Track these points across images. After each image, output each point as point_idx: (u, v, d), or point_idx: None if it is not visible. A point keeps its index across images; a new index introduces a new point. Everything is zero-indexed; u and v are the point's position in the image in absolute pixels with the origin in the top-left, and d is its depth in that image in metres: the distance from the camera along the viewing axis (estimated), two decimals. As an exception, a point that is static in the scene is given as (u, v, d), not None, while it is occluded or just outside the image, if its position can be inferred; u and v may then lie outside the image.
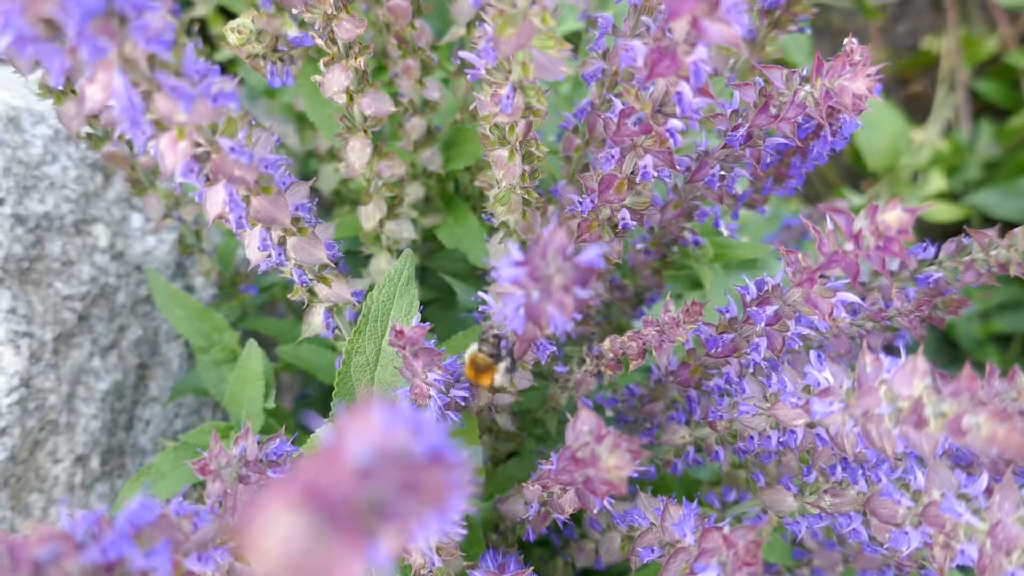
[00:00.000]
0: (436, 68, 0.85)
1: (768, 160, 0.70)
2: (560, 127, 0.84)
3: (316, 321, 0.73)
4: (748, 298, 0.67)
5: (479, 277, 0.99)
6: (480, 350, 0.62)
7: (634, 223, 0.67)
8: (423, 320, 0.63)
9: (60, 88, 0.73)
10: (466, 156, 0.92)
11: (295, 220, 0.61)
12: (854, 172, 1.83)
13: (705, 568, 0.53)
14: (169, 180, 0.85)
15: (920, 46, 1.89)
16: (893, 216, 0.49)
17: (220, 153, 0.49)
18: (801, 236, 1.31)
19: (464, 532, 0.63)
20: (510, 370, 0.63)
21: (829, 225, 0.53)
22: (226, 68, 1.22)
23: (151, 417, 1.00)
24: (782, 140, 0.67)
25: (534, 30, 0.49)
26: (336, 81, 0.70)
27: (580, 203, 0.67)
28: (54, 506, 0.88)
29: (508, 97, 0.58)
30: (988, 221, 1.71)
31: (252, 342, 0.84)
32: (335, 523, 0.23)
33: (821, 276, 0.57)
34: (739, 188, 0.80)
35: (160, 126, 0.45)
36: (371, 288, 0.69)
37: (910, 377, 0.47)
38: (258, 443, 0.61)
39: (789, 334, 0.65)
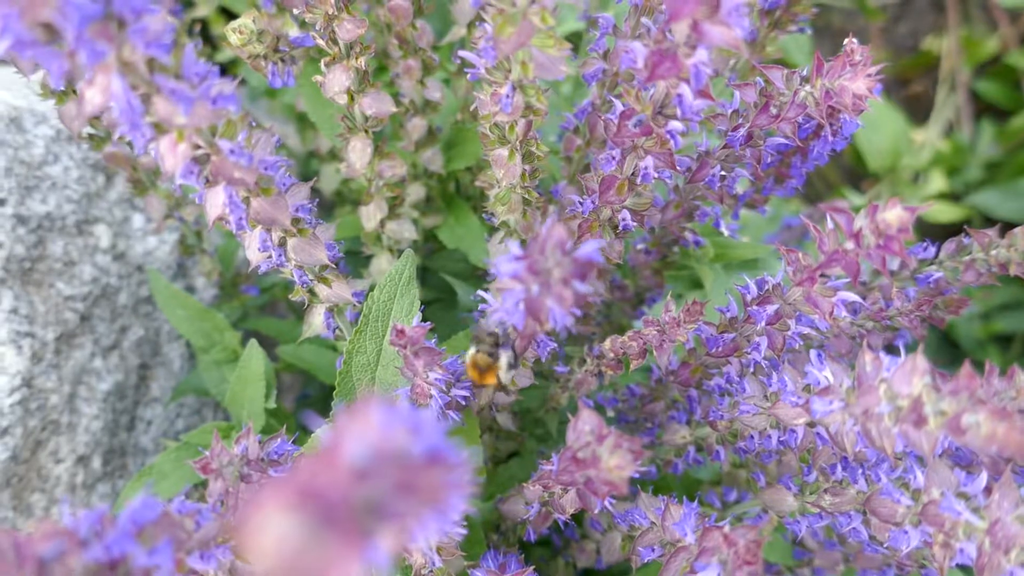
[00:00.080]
0: (437, 68, 0.85)
1: (769, 160, 0.71)
2: (561, 127, 0.84)
3: (317, 321, 0.73)
4: (749, 297, 0.67)
5: (480, 277, 1.00)
6: (478, 350, 0.62)
7: (635, 224, 0.67)
8: (424, 320, 0.63)
9: (61, 89, 0.73)
10: (467, 156, 0.92)
11: (295, 221, 0.62)
12: (855, 172, 1.83)
13: (706, 567, 0.53)
14: (169, 181, 0.86)
15: (921, 46, 1.89)
16: (893, 215, 0.49)
17: (220, 155, 0.49)
18: (802, 236, 1.32)
19: (465, 532, 0.63)
20: (512, 365, 0.63)
21: (829, 224, 0.53)
22: (227, 68, 1.22)
23: (152, 417, 1.01)
24: (782, 140, 0.67)
25: (533, 29, 0.50)
26: (337, 81, 0.70)
27: (581, 203, 0.67)
28: (56, 506, 0.88)
29: (508, 96, 0.58)
30: (989, 221, 1.71)
31: (253, 342, 0.84)
32: (331, 524, 0.23)
33: (822, 275, 0.58)
34: (740, 188, 0.80)
35: (160, 128, 0.46)
36: (372, 288, 0.69)
37: (910, 376, 0.47)
38: (259, 442, 0.61)
39: (790, 333, 0.65)
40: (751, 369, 0.71)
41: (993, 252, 0.72)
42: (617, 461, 0.49)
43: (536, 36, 0.51)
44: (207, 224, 0.96)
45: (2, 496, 0.84)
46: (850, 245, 0.52)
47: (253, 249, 0.61)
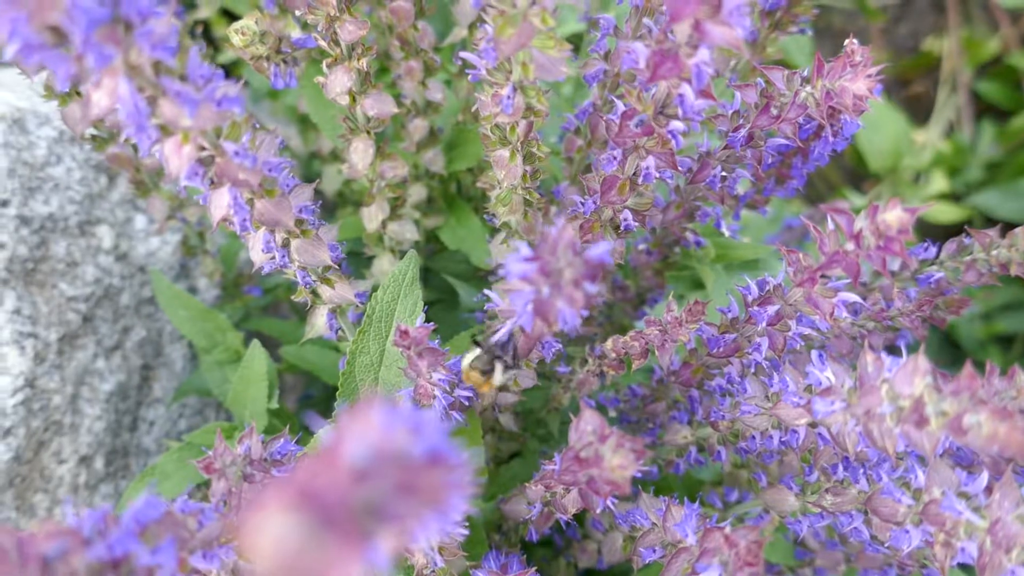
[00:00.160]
0: (438, 69, 0.85)
1: (769, 161, 0.71)
2: (562, 128, 0.84)
3: (320, 322, 0.73)
4: (750, 298, 0.67)
5: (481, 278, 1.00)
6: (472, 365, 0.62)
7: (636, 224, 0.67)
8: (426, 321, 0.64)
9: (65, 91, 0.73)
10: (468, 157, 0.92)
11: (299, 222, 0.62)
12: (856, 173, 1.83)
13: (707, 568, 0.54)
14: (174, 183, 0.86)
15: (922, 47, 1.89)
16: (893, 216, 0.49)
17: (224, 157, 0.50)
18: (803, 237, 1.32)
19: (467, 532, 0.63)
20: (506, 370, 0.63)
21: (830, 225, 0.54)
22: (230, 70, 1.22)
23: (155, 418, 1.01)
24: (783, 141, 0.67)
25: (534, 30, 0.50)
26: (339, 82, 0.71)
27: (582, 204, 0.68)
28: (58, 506, 0.88)
29: (509, 97, 0.58)
30: (990, 222, 1.71)
31: (256, 343, 0.84)
32: (330, 524, 0.23)
33: (822, 276, 0.58)
34: (740, 189, 0.80)
35: (165, 131, 0.46)
36: (375, 289, 0.69)
37: (911, 376, 0.48)
38: (262, 442, 0.61)
39: (791, 334, 0.65)
40: (752, 369, 0.71)
41: (994, 252, 0.72)
42: (620, 460, 0.49)
43: (537, 37, 0.51)
44: (210, 225, 0.97)
45: (5, 496, 0.84)
46: (851, 246, 0.52)
47: (257, 250, 0.61)
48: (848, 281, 0.55)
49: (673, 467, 0.82)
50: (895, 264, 0.78)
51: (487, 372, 0.61)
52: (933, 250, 0.78)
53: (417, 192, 0.92)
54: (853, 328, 0.77)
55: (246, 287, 1.05)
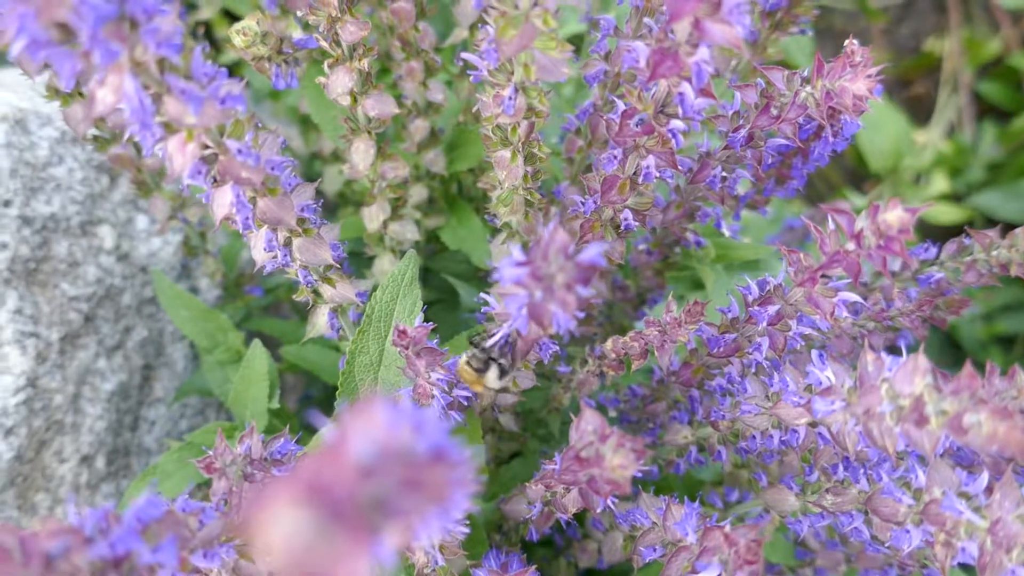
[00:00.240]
0: (439, 70, 0.86)
1: (770, 161, 0.71)
2: (563, 128, 0.84)
3: (320, 322, 0.73)
4: (750, 298, 0.67)
5: (482, 278, 1.00)
6: (468, 363, 0.62)
7: (636, 224, 0.67)
8: (426, 321, 0.64)
9: (68, 91, 0.73)
10: (469, 157, 0.92)
11: (301, 221, 0.62)
12: (857, 174, 1.83)
13: (707, 566, 0.54)
14: (176, 182, 0.86)
15: (923, 48, 1.89)
16: (894, 216, 0.49)
17: (228, 155, 0.50)
18: (803, 238, 1.32)
19: (467, 531, 0.63)
20: (501, 376, 0.63)
21: (831, 225, 0.54)
22: (231, 71, 1.22)
23: (156, 418, 1.01)
24: (783, 141, 0.67)
25: (536, 31, 0.50)
26: (340, 83, 0.71)
27: (583, 204, 0.68)
28: (60, 506, 0.88)
29: (510, 98, 0.59)
30: (991, 223, 1.71)
31: (257, 342, 0.85)
32: (339, 519, 0.24)
33: (823, 275, 0.58)
34: (741, 189, 0.80)
35: (169, 128, 0.46)
36: (375, 289, 0.69)
37: (911, 375, 0.48)
38: (263, 442, 0.61)
39: (791, 334, 0.65)
40: (753, 369, 0.71)
41: (994, 253, 0.72)
42: (620, 460, 0.49)
43: (538, 38, 0.51)
44: (211, 225, 0.97)
45: (7, 496, 0.84)
46: (851, 246, 0.52)
47: (259, 249, 0.61)
48: (849, 281, 0.55)
49: (673, 467, 0.82)
50: (896, 264, 0.78)
51: (481, 370, 0.62)
52: (934, 250, 0.78)
53: (418, 192, 0.92)
54: (854, 328, 0.77)
55: (247, 287, 1.05)
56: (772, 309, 0.64)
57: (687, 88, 0.51)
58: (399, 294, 0.69)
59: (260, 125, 0.54)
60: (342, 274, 0.71)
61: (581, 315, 0.46)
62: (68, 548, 0.37)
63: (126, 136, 0.45)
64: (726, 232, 0.87)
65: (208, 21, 1.20)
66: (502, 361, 0.62)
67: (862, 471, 0.62)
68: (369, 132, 0.77)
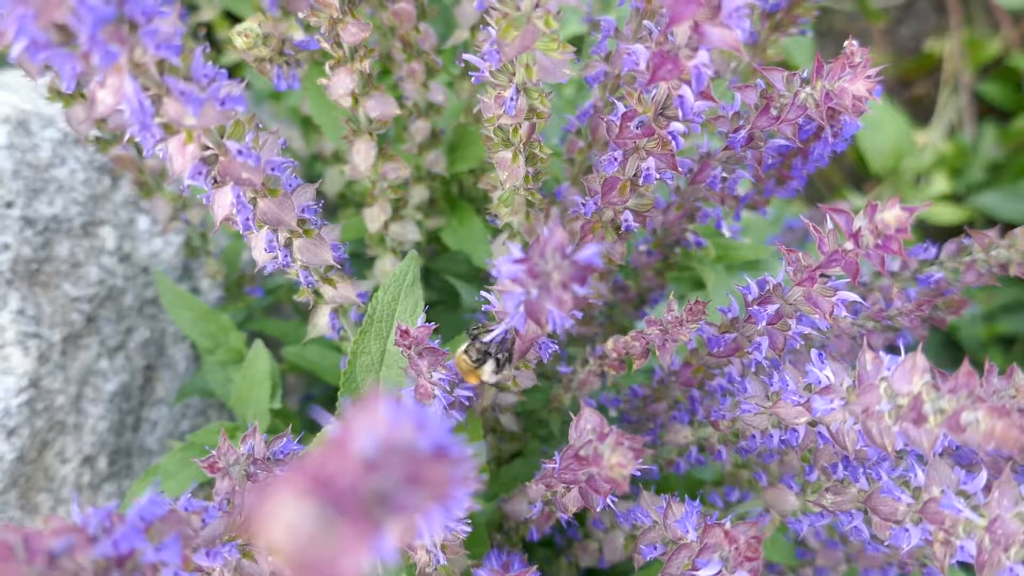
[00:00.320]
0: (440, 71, 0.86)
1: (770, 162, 0.71)
2: (563, 130, 0.85)
3: (322, 322, 0.73)
4: (750, 297, 0.67)
5: (483, 279, 1.00)
6: (466, 353, 0.63)
7: (637, 224, 0.68)
8: (427, 321, 0.64)
9: (69, 92, 0.73)
10: (470, 158, 0.93)
11: (301, 222, 0.62)
12: (857, 174, 1.83)
13: (707, 563, 0.54)
14: (177, 183, 0.86)
15: (923, 48, 1.90)
16: (892, 215, 0.50)
17: (228, 156, 0.50)
18: (803, 238, 1.32)
19: (468, 530, 0.63)
20: (497, 371, 0.64)
21: (829, 225, 0.54)
22: (232, 72, 1.23)
23: (158, 418, 1.01)
24: (783, 142, 0.67)
25: (538, 33, 0.50)
26: (341, 84, 0.71)
27: (583, 205, 0.68)
28: (62, 506, 0.89)
29: (512, 99, 0.59)
30: (991, 223, 1.71)
31: (258, 343, 0.85)
32: (342, 512, 0.24)
33: (822, 275, 0.58)
34: (741, 190, 0.81)
35: (169, 129, 0.46)
36: (376, 289, 0.69)
37: (910, 374, 0.48)
38: (265, 442, 0.62)
39: (790, 333, 0.66)
40: (752, 369, 0.71)
41: (993, 253, 0.72)
42: (618, 458, 0.50)
43: (540, 40, 0.51)
44: (212, 226, 0.97)
45: (9, 496, 0.84)
46: (849, 245, 0.52)
47: (259, 249, 0.62)
48: (847, 280, 0.56)
49: (674, 467, 0.82)
50: (894, 264, 0.79)
51: (477, 362, 0.62)
52: (933, 250, 0.78)
53: (419, 193, 0.92)
54: (853, 328, 0.78)
55: (248, 288, 1.05)
56: (771, 308, 0.65)
57: (687, 91, 0.52)
58: (401, 294, 0.69)
59: (261, 126, 0.54)
60: (343, 275, 0.71)
61: (578, 314, 0.46)
62: (72, 546, 0.37)
63: (127, 137, 0.45)
64: (726, 232, 0.87)
65: (209, 22, 1.20)
66: (499, 356, 0.62)
67: (861, 470, 0.62)
68: (370, 133, 0.77)
